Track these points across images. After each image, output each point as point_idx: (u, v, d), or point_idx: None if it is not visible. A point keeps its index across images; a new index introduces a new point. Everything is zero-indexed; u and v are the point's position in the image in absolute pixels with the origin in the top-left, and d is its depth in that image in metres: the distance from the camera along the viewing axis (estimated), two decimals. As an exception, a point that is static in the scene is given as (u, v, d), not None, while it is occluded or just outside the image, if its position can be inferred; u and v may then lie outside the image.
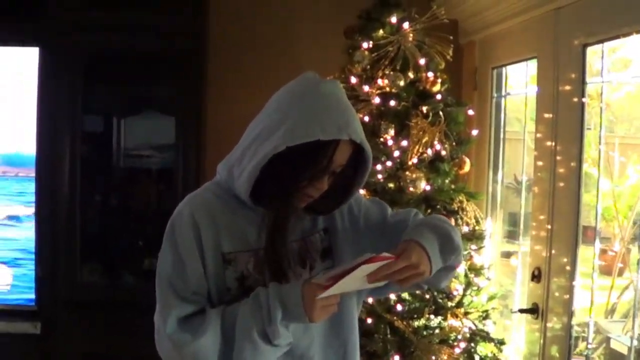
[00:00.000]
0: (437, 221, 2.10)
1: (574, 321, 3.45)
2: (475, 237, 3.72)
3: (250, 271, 1.99)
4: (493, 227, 4.28)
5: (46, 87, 4.05)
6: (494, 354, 3.65)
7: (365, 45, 3.71)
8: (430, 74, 3.69)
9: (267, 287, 1.93)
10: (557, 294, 3.48)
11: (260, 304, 1.89)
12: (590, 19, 3.29)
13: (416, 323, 3.51)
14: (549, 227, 3.55)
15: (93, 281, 4.32)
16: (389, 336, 3.49)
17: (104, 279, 4.40)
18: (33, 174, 4.20)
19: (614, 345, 3.57)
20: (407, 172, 3.59)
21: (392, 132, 3.60)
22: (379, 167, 3.57)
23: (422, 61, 3.68)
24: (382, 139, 3.61)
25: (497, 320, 3.91)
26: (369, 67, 3.71)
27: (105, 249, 4.46)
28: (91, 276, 4.31)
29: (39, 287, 4.23)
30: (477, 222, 3.78)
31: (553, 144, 3.54)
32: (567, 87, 3.43)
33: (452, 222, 3.60)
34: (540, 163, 3.69)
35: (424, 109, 3.64)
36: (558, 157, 3.50)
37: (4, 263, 4.31)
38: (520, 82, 4.33)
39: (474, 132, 3.89)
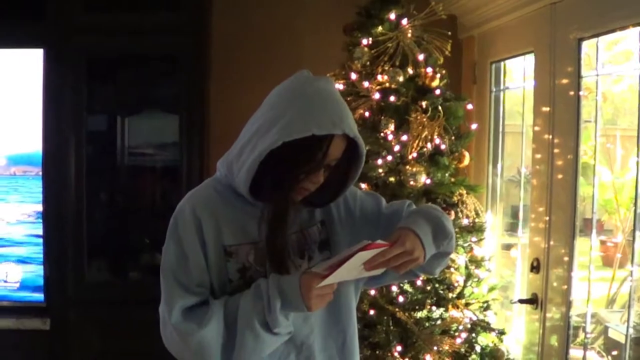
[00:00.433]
0: (429, 209, 2.17)
1: (574, 312, 3.49)
2: (475, 229, 3.75)
3: (251, 263, 2.06)
4: (493, 220, 4.31)
5: (51, 88, 4.10)
6: (495, 344, 3.68)
7: (364, 42, 3.74)
8: (429, 70, 3.71)
9: (267, 278, 2.00)
10: (555, 284, 3.52)
11: (261, 294, 1.96)
12: (585, 13, 3.33)
13: (418, 314, 3.56)
14: (547, 218, 3.59)
15: (101, 278, 4.37)
16: (391, 327, 3.53)
17: (111, 276, 4.45)
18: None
19: (612, 334, 3.62)
20: (408, 166, 3.63)
21: (392, 127, 3.64)
22: (379, 161, 3.62)
23: (420, 57, 3.71)
24: (382, 134, 3.64)
25: (497, 310, 3.95)
26: (368, 63, 3.73)
27: (112, 247, 4.51)
28: (99, 273, 4.36)
29: (48, 285, 4.28)
30: (477, 214, 3.81)
31: (550, 136, 3.58)
32: (564, 81, 3.47)
33: (452, 215, 3.67)
34: (538, 156, 3.73)
35: (423, 103, 3.68)
36: (555, 150, 3.54)
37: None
38: (518, 76, 4.38)
39: (474, 126, 3.93)
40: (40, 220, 4.28)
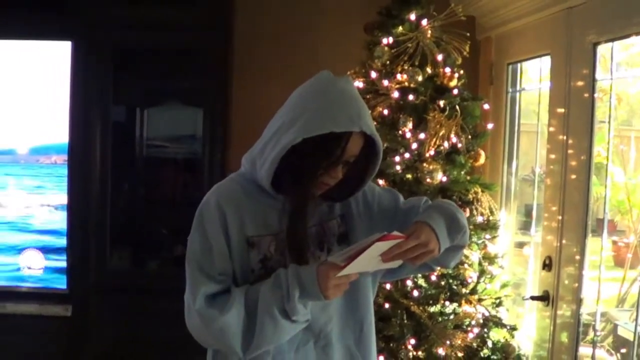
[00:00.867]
0: (444, 204, 2.25)
1: (585, 310, 3.53)
2: (489, 226, 3.81)
3: (272, 253, 2.15)
4: (507, 218, 4.37)
5: (78, 79, 4.18)
6: (506, 340, 3.74)
7: (385, 41, 3.80)
8: (448, 70, 3.77)
9: (287, 268, 2.08)
10: (567, 282, 3.56)
11: (280, 284, 2.05)
12: (601, 18, 3.37)
13: (432, 309, 3.62)
14: (560, 217, 3.64)
15: (122, 267, 4.46)
16: (405, 321, 3.59)
17: (132, 266, 4.53)
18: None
19: (621, 332, 3.67)
20: (425, 164, 3.69)
21: (410, 125, 3.70)
22: (397, 158, 3.68)
23: (439, 57, 3.76)
24: (400, 132, 3.70)
25: (509, 307, 4.00)
26: (388, 62, 3.80)
27: (134, 237, 4.59)
28: (120, 262, 4.44)
29: (71, 272, 4.36)
30: (492, 212, 3.86)
31: (565, 137, 3.63)
32: (579, 83, 3.51)
33: (467, 212, 3.72)
34: (552, 156, 3.78)
35: (441, 103, 3.73)
36: (570, 151, 3.59)
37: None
38: (534, 77, 4.41)
39: (489, 126, 3.99)
40: (65, 209, 4.36)
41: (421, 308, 3.60)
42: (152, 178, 4.61)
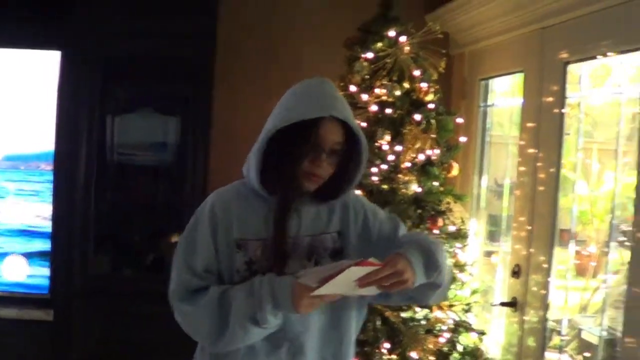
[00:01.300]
0: (426, 242, 2.27)
1: (551, 317, 3.66)
2: (460, 235, 3.93)
3: (258, 256, 2.25)
4: (477, 227, 4.50)
5: (66, 88, 4.24)
6: (475, 344, 3.86)
7: (364, 56, 3.90)
8: (424, 85, 3.88)
9: (268, 274, 2.18)
10: (534, 288, 3.69)
11: (254, 293, 2.14)
12: (572, 39, 3.52)
13: (405, 314, 3.71)
14: (529, 227, 3.77)
15: (103, 271, 4.52)
16: (379, 326, 3.68)
17: (112, 270, 4.59)
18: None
19: (585, 336, 3.81)
20: (400, 175, 3.80)
21: (387, 137, 3.80)
22: (374, 169, 3.77)
23: (416, 73, 3.87)
24: (378, 144, 3.79)
25: (478, 313, 4.12)
26: (368, 77, 3.89)
27: (115, 242, 4.65)
28: (101, 267, 4.49)
29: (53, 277, 4.40)
30: (463, 222, 3.99)
31: (535, 151, 3.76)
32: (550, 99, 3.65)
33: (440, 222, 3.84)
34: (522, 168, 3.91)
35: (417, 117, 3.83)
36: (539, 164, 3.72)
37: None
38: (505, 93, 4.55)
39: (462, 139, 4.11)
40: (49, 215, 4.42)
41: (395, 314, 3.70)
42: (136, 185, 4.66)
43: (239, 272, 2.25)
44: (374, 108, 3.86)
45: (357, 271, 2.02)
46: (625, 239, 3.41)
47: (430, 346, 3.73)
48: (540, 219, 3.72)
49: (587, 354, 3.75)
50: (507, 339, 4.05)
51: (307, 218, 2.30)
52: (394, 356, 3.67)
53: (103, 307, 4.32)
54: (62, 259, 4.32)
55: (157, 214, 4.72)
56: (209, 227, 2.26)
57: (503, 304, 3.96)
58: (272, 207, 2.25)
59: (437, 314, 3.80)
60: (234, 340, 2.18)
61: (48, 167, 4.38)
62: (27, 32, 4.15)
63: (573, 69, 3.63)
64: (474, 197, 4.59)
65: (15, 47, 4.32)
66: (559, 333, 3.77)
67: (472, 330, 3.90)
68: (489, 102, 4.63)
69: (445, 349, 3.80)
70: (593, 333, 3.65)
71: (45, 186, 4.43)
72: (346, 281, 2.03)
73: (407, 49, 3.90)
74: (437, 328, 3.79)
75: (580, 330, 3.85)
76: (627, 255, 3.32)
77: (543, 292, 3.65)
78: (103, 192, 4.37)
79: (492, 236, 4.60)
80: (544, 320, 3.65)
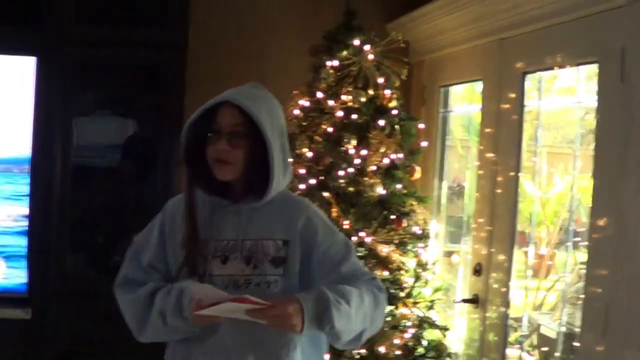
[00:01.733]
0: (346, 294, 2.23)
1: (511, 313, 3.80)
2: (423, 236, 4.08)
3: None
4: (438, 228, 4.63)
5: (41, 93, 4.30)
6: (439, 340, 4.02)
7: (330, 64, 4.03)
8: (387, 92, 4.02)
9: (199, 273, 2.34)
10: (495, 286, 3.83)
11: (169, 294, 2.30)
12: (529, 50, 3.66)
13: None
14: (489, 228, 3.90)
15: (80, 271, 4.58)
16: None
17: (90, 270, 4.67)
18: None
19: (543, 330, 3.98)
20: (366, 178, 3.93)
21: (354, 142, 3.92)
22: (341, 173, 3.90)
23: (380, 80, 4.00)
24: (344, 148, 3.93)
25: (441, 309, 4.27)
26: (333, 83, 4.03)
27: (91, 242, 4.75)
28: (77, 267, 4.56)
29: (31, 276, 4.44)
30: (425, 223, 4.15)
31: (493, 155, 3.90)
32: (507, 106, 3.79)
33: (405, 223, 3.98)
34: (481, 172, 4.05)
35: (382, 122, 3.97)
36: (497, 167, 3.86)
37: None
38: (463, 99, 4.71)
39: (423, 144, 4.26)
40: (25, 216, 4.46)
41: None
42: (110, 187, 4.74)
43: (181, 272, 2.38)
44: (340, 114, 3.98)
45: (244, 305, 2.11)
46: (579, 239, 3.55)
47: (397, 341, 3.85)
48: (500, 220, 3.84)
49: (545, 348, 3.91)
50: (469, 334, 4.17)
51: (251, 222, 2.37)
52: (362, 350, 3.78)
53: (81, 306, 4.36)
54: (39, 259, 4.38)
55: (125, 215, 4.80)
56: (159, 228, 2.45)
57: (465, 301, 4.09)
58: (215, 208, 2.38)
59: (402, 310, 3.92)
60: (154, 334, 2.38)
61: (21, 170, 4.43)
62: (3, 38, 4.21)
63: (530, 77, 3.77)
64: (434, 199, 4.70)
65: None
66: (518, 328, 3.90)
67: (436, 326, 4.03)
68: (449, 108, 4.78)
69: (411, 343, 3.92)
70: (551, 328, 3.81)
71: (16, 189, 4.48)
72: (236, 308, 2.13)
73: (371, 57, 4.03)
74: (403, 324, 3.92)
75: (539, 325, 4.01)
76: (579, 255, 3.49)
77: (503, 289, 3.77)
78: (77, 194, 4.43)
79: (453, 237, 4.73)
80: (504, 316, 3.77)
